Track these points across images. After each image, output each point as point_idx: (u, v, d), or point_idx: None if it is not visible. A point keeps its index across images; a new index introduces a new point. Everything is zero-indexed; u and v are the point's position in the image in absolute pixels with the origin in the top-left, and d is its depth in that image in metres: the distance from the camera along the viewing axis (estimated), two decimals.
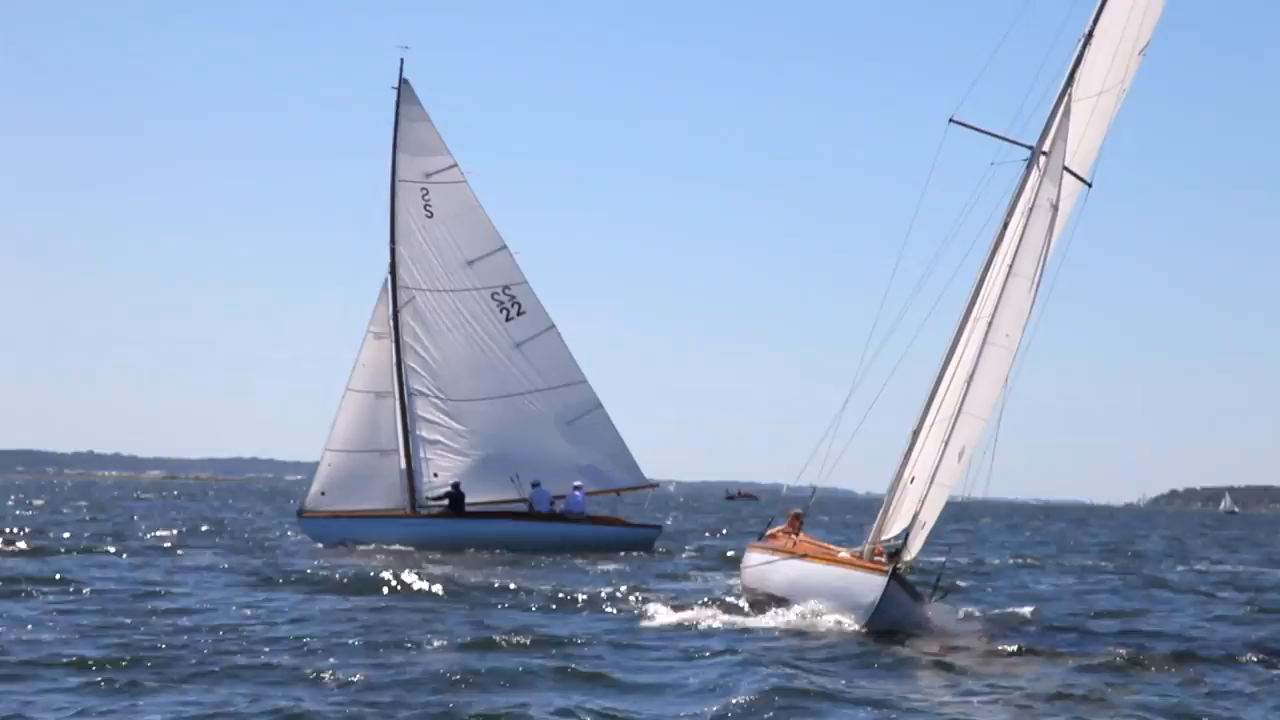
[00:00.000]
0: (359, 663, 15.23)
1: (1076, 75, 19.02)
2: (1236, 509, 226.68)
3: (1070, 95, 18.97)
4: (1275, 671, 16.64)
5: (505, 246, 38.06)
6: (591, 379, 37.65)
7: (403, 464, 36.79)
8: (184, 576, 25.45)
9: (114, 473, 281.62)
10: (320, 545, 35.44)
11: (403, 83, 38.41)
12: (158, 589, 22.80)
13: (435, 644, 16.69)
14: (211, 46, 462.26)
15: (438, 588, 23.48)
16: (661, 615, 20.25)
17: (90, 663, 14.80)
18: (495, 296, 37.73)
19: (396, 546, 34.71)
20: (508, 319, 37.66)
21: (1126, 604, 25.23)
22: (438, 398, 37.15)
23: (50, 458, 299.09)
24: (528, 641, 17.02)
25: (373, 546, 34.62)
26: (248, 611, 19.94)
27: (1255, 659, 17.50)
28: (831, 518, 75.42)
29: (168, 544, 35.67)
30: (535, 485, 36.16)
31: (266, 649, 16.13)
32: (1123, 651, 17.45)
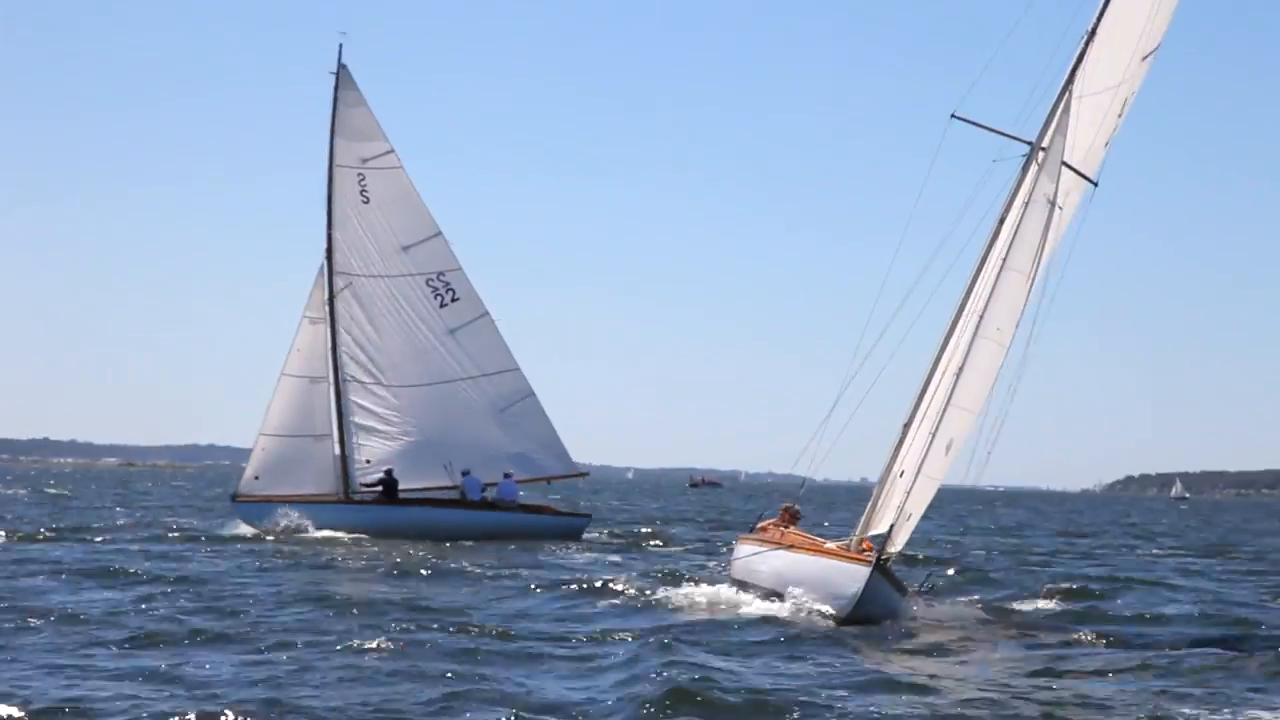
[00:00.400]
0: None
1: (1078, 73, 19.07)
2: (1187, 494, 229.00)
3: (1071, 93, 19.02)
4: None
5: (440, 233, 38.06)
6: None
7: (336, 449, 36.76)
8: None
9: (70, 460, 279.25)
10: (252, 530, 35.41)
11: (341, 68, 38.31)
12: None
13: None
14: (155, 37, 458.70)
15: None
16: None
17: None
18: (430, 283, 37.74)
19: (327, 532, 34.71)
20: (442, 305, 37.68)
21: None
22: (372, 384, 37.14)
23: (5, 445, 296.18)
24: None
25: (308, 532, 34.62)
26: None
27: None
28: (807, 506, 75.45)
29: None
30: (465, 474, 36.15)
31: None
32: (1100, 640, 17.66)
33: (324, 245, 37.65)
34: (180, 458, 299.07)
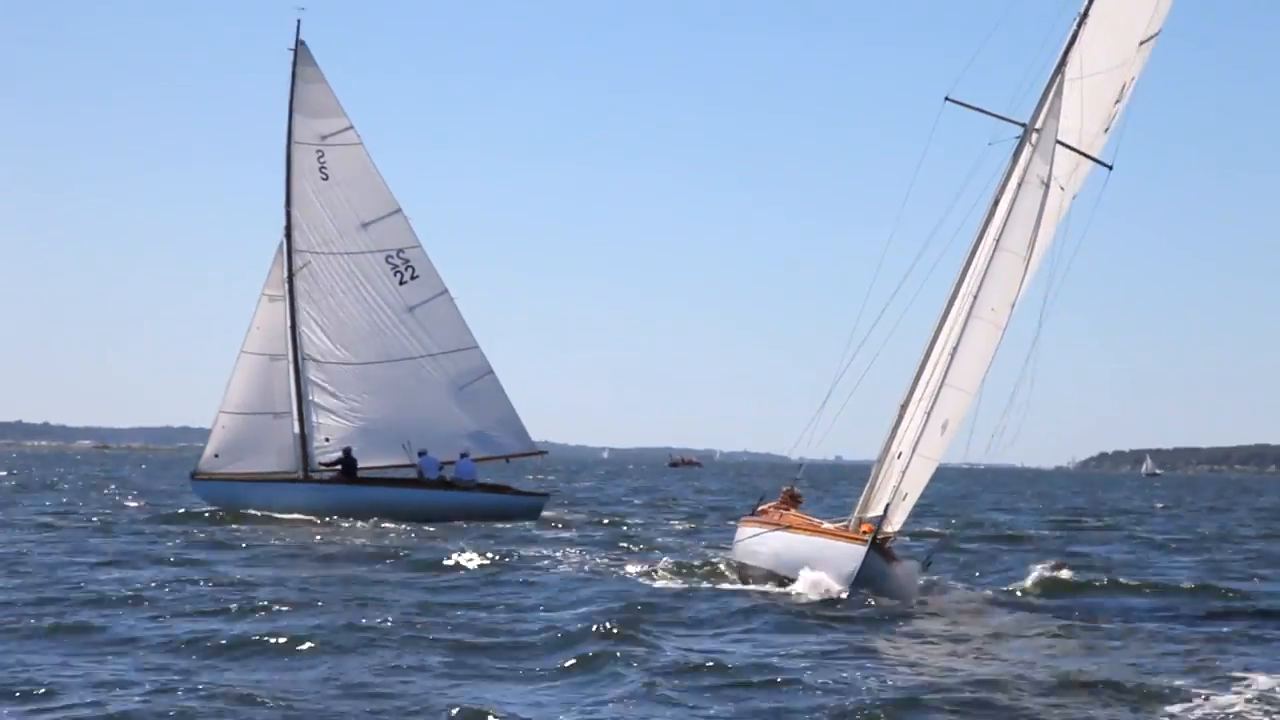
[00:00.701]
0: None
1: (1070, 55, 19.04)
2: (1158, 470, 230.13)
3: (1064, 75, 18.98)
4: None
5: (400, 210, 37.88)
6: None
7: (296, 428, 36.68)
8: None
9: (44, 443, 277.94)
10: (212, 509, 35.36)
11: (299, 44, 38.10)
12: None
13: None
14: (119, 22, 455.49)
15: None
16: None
17: None
18: (389, 260, 37.58)
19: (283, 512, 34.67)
20: (401, 282, 37.53)
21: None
22: (331, 362, 37.01)
23: None
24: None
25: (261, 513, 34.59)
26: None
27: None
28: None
29: None
30: (422, 454, 36.04)
31: None
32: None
33: (282, 223, 37.54)
34: (155, 439, 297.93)
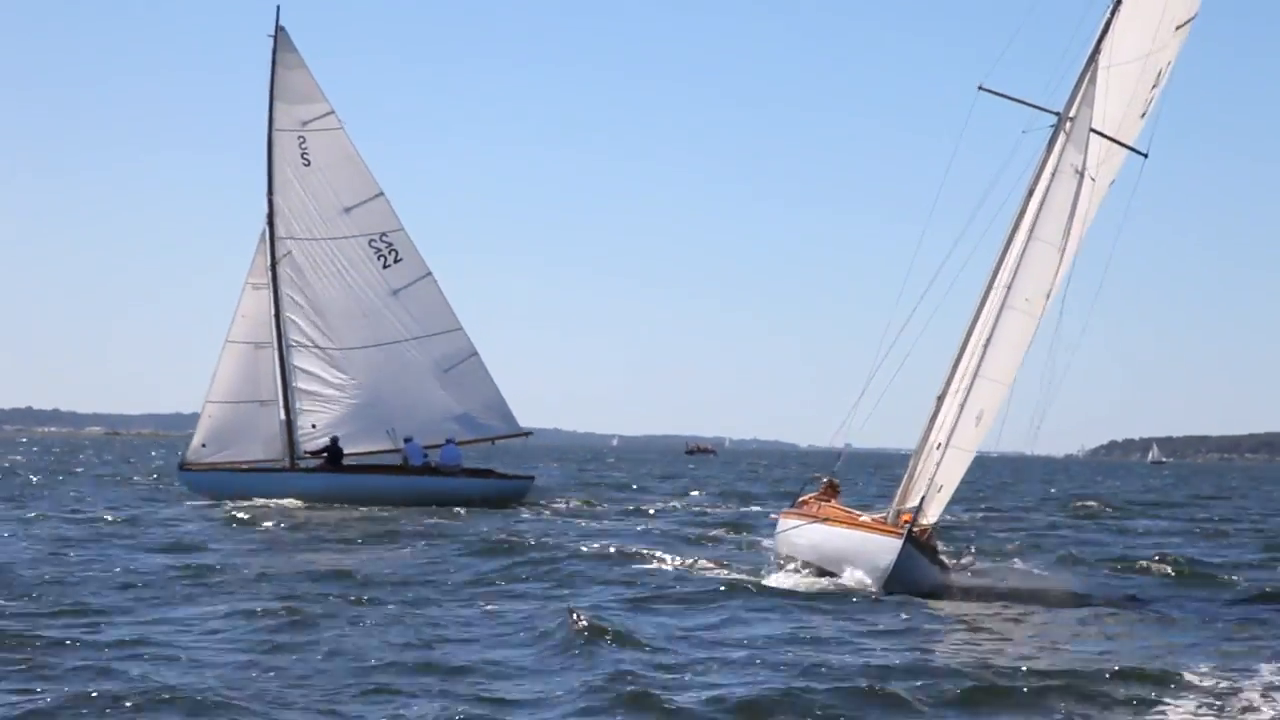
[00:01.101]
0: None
1: (1104, 42, 18.84)
2: (1165, 459, 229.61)
3: (1097, 63, 18.79)
4: None
5: (382, 193, 37.78)
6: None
7: (282, 415, 36.60)
8: None
9: (53, 429, 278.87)
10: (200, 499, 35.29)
11: (279, 30, 37.97)
12: None
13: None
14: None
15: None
16: None
17: None
18: (373, 244, 37.48)
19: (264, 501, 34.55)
20: (385, 266, 37.43)
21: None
22: (316, 348, 36.93)
23: None
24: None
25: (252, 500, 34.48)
26: None
27: None
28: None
29: None
30: (408, 440, 36.03)
31: None
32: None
33: (264, 210, 37.43)
34: (165, 426, 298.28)
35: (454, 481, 35.73)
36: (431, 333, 37.32)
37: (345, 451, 36.08)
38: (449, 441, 36.13)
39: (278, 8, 37.95)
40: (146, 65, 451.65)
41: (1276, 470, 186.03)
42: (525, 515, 32.27)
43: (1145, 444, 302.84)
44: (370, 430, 36.50)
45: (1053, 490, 62.16)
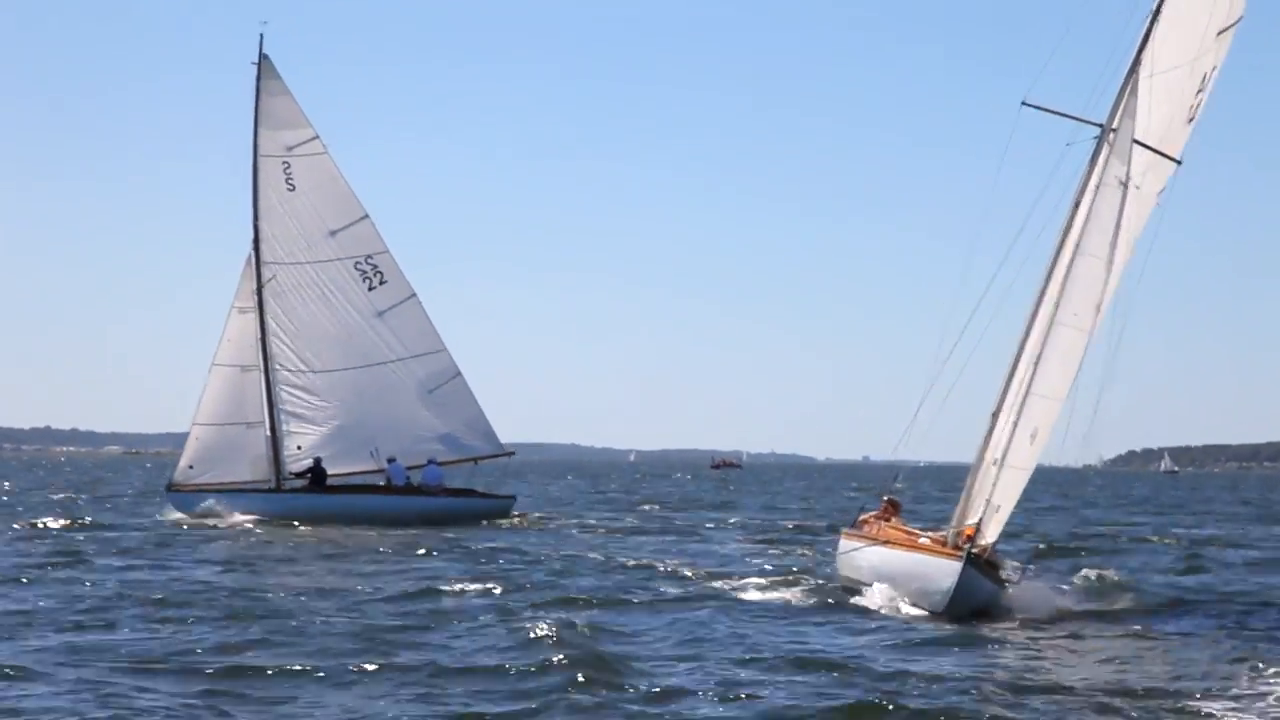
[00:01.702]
0: None
1: (1145, 52, 18.73)
2: (1176, 469, 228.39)
3: (1138, 74, 18.69)
4: None
5: (367, 216, 38.27)
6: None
7: (268, 436, 37.04)
8: None
9: (71, 448, 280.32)
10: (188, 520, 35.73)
11: (263, 58, 38.49)
12: None
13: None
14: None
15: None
16: None
17: None
18: (358, 266, 37.93)
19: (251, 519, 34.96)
20: (370, 288, 37.88)
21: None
22: (301, 370, 37.39)
23: (6, 434, 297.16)
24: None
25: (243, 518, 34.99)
26: None
27: None
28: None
29: None
30: (391, 461, 36.52)
31: None
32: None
33: (250, 235, 37.89)
34: (181, 445, 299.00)
35: (436, 501, 36.18)
36: (416, 354, 37.77)
37: (329, 472, 36.51)
38: (430, 462, 36.57)
39: (261, 36, 38.57)
40: (139, 87, 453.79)
41: None
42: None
43: (1167, 454, 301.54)
44: (354, 451, 36.96)
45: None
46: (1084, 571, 23.06)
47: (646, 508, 48.66)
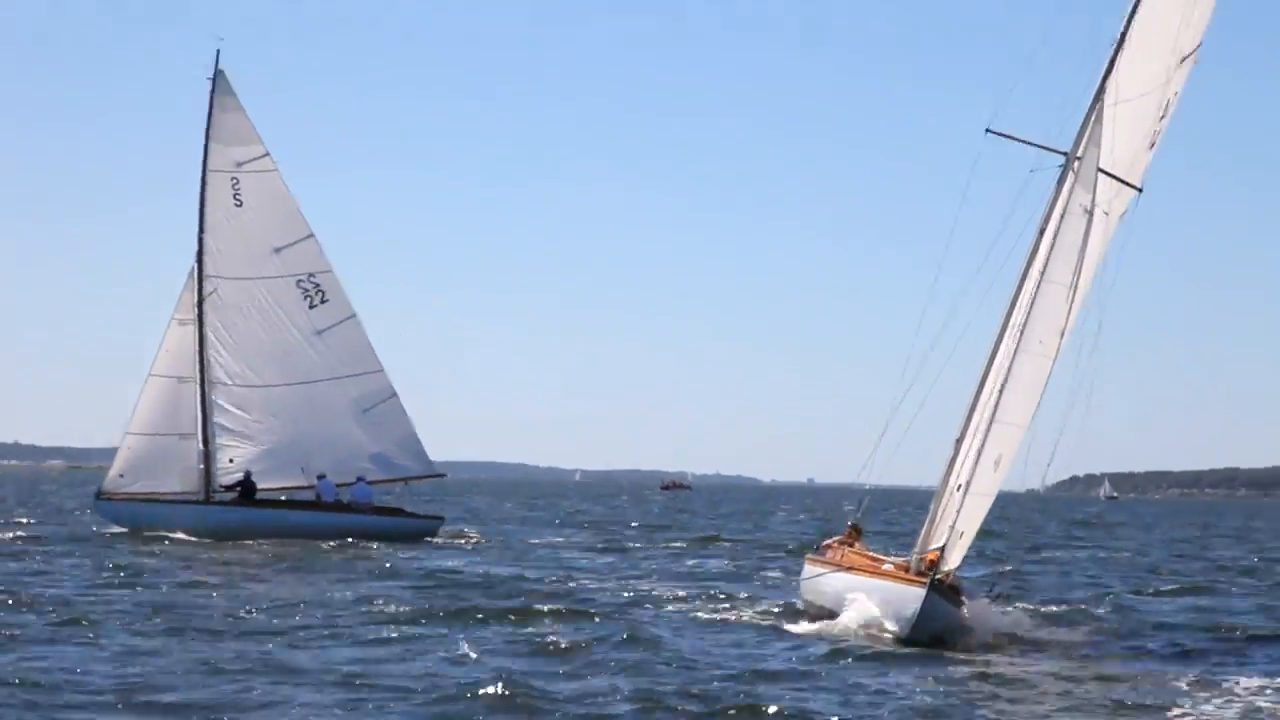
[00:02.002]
0: None
1: (1109, 80, 18.80)
2: (1115, 494, 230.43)
3: (1103, 101, 18.77)
4: None
5: (312, 235, 38.60)
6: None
7: (200, 448, 37.25)
8: None
9: (14, 462, 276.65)
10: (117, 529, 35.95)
11: (218, 73, 38.79)
12: None
13: None
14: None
15: None
16: None
17: None
18: (300, 284, 38.23)
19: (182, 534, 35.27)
20: (311, 306, 38.18)
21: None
22: (237, 385, 37.59)
23: None
24: None
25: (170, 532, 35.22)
26: None
27: None
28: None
29: None
30: (321, 477, 36.76)
31: None
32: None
33: (194, 249, 38.15)
34: None
35: (364, 518, 36.48)
36: (353, 373, 38.05)
37: (260, 486, 36.73)
38: (360, 480, 36.89)
39: (217, 51, 38.93)
40: (87, 106, 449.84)
41: (1232, 505, 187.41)
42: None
43: (1108, 479, 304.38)
44: (286, 467, 37.18)
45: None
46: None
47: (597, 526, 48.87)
